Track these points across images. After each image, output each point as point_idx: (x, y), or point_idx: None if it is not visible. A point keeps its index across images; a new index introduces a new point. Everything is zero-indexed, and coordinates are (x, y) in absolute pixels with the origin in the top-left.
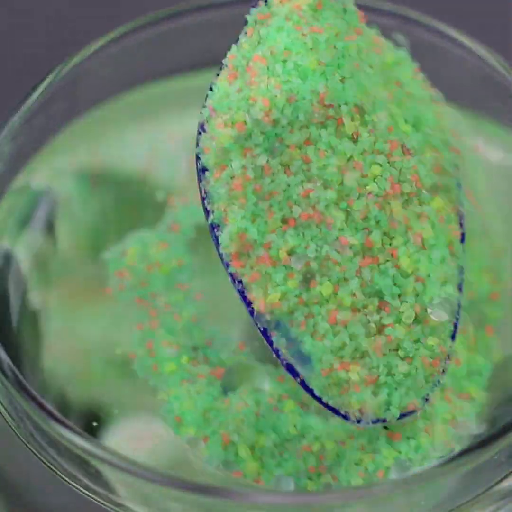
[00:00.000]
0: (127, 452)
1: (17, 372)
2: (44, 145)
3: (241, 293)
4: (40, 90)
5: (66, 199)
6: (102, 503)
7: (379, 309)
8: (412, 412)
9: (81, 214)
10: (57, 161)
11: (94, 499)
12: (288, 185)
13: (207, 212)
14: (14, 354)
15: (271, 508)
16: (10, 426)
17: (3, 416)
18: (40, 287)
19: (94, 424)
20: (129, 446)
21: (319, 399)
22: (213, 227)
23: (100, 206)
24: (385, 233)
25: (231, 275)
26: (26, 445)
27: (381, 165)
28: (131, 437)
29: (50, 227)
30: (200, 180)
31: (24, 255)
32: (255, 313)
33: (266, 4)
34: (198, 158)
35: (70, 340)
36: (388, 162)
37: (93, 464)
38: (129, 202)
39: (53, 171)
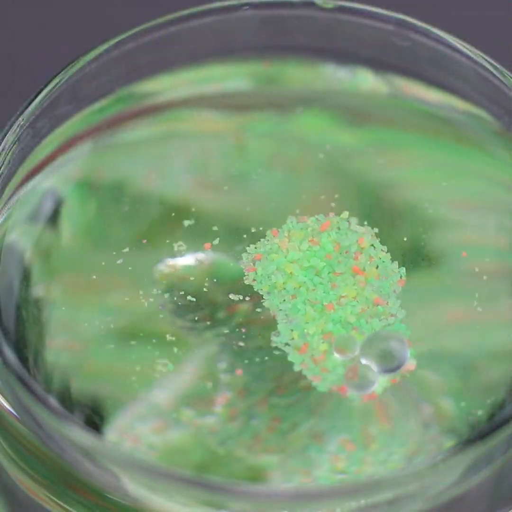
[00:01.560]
0: (130, 445)
1: (21, 367)
2: (48, 148)
3: None
4: (43, 93)
5: (69, 197)
6: (110, 494)
7: None
8: None
9: (83, 212)
10: (59, 161)
11: (101, 489)
12: None
13: None
14: (17, 347)
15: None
16: (17, 419)
17: (5, 412)
18: (43, 279)
19: (98, 417)
20: (131, 441)
21: None
22: None
23: (100, 205)
24: None
25: None
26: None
27: None
28: (133, 431)
29: (54, 222)
30: None
31: (28, 248)
32: None
33: None
34: None
35: (73, 332)
36: None
37: (98, 458)
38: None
39: (58, 172)
